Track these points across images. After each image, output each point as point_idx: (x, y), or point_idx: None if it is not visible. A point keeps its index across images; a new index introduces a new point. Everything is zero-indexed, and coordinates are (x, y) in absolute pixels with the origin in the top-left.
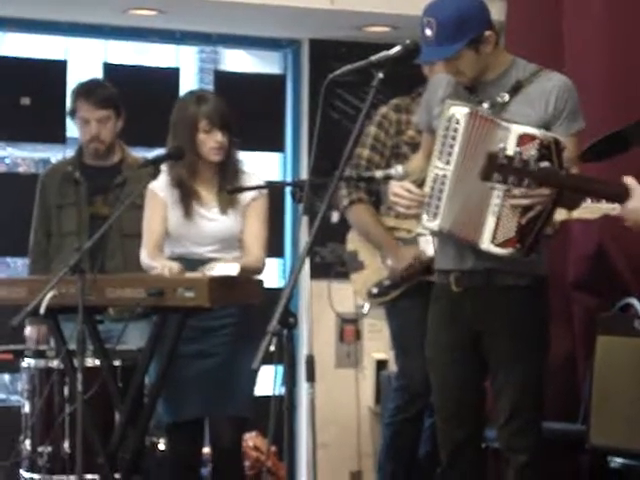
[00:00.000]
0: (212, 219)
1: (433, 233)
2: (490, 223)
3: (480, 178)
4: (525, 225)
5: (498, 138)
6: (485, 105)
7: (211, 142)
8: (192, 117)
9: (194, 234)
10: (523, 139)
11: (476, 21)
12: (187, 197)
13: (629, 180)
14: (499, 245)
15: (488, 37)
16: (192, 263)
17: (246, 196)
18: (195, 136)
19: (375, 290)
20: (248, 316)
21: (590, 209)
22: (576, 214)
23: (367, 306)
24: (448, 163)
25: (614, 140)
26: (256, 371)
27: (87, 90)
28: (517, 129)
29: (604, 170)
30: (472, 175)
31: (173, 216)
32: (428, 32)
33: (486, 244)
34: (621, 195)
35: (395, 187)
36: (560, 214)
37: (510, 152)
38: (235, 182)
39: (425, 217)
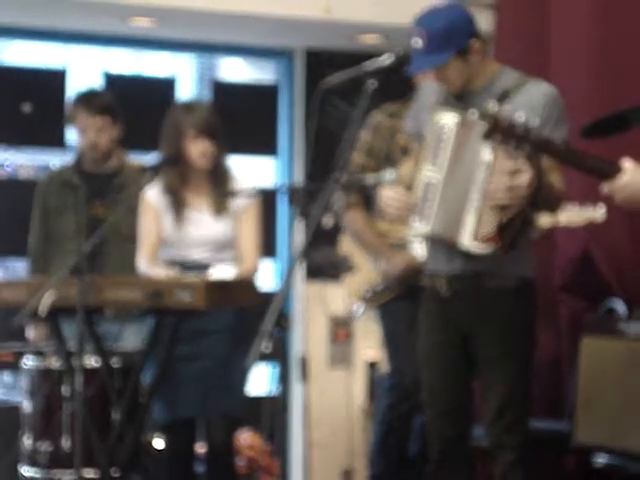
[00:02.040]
0: (204, 223)
1: (423, 237)
2: (471, 222)
3: (481, 137)
4: (505, 224)
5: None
6: (474, 112)
7: (198, 150)
8: (180, 126)
9: (187, 238)
10: None
11: (464, 32)
12: (178, 203)
13: (627, 163)
14: (480, 243)
15: (476, 47)
16: (187, 267)
17: (239, 201)
18: (183, 144)
19: (368, 293)
20: (242, 318)
21: (576, 214)
22: (563, 221)
23: (361, 308)
24: (438, 168)
25: (615, 119)
26: (249, 370)
27: (85, 98)
28: None
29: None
30: (460, 180)
31: (166, 222)
32: (418, 42)
33: (467, 242)
34: (612, 172)
35: (386, 192)
36: (547, 220)
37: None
38: (225, 187)
39: (415, 222)
